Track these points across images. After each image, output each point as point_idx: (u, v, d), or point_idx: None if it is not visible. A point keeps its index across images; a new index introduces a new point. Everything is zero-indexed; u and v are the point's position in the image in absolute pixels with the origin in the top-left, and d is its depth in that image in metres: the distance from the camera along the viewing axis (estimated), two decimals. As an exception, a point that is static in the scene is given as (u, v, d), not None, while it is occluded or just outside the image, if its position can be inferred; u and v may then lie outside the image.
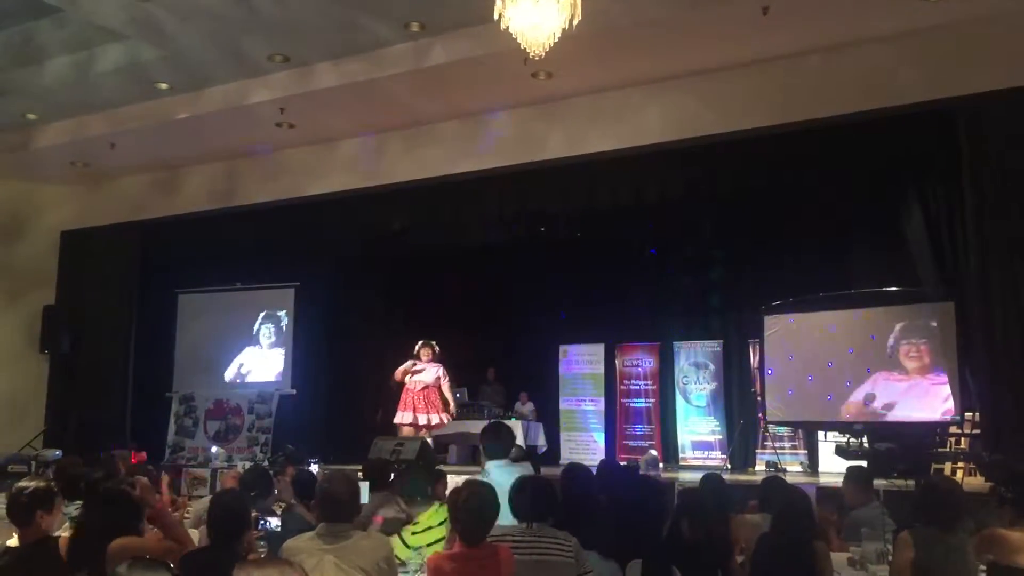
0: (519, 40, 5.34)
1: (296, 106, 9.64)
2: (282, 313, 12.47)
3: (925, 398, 8.84)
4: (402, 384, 10.46)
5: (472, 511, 3.69)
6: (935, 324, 8.86)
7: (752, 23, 7.51)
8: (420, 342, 10.46)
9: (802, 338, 9.80)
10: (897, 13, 7.49)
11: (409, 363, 10.38)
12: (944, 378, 8.72)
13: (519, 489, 4.07)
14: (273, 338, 12.46)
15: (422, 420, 10.20)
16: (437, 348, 10.45)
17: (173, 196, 11.93)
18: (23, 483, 4.00)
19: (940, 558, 4.06)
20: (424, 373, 10.32)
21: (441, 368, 10.43)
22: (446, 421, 10.50)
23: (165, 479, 8.57)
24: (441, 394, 10.42)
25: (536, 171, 9.67)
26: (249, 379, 12.47)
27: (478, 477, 4.52)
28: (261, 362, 12.48)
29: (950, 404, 8.62)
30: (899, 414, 8.92)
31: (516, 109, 9.66)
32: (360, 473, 6.13)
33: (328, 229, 11.33)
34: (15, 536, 3.97)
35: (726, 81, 8.61)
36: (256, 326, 12.57)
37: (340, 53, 8.91)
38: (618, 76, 8.89)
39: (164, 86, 9.71)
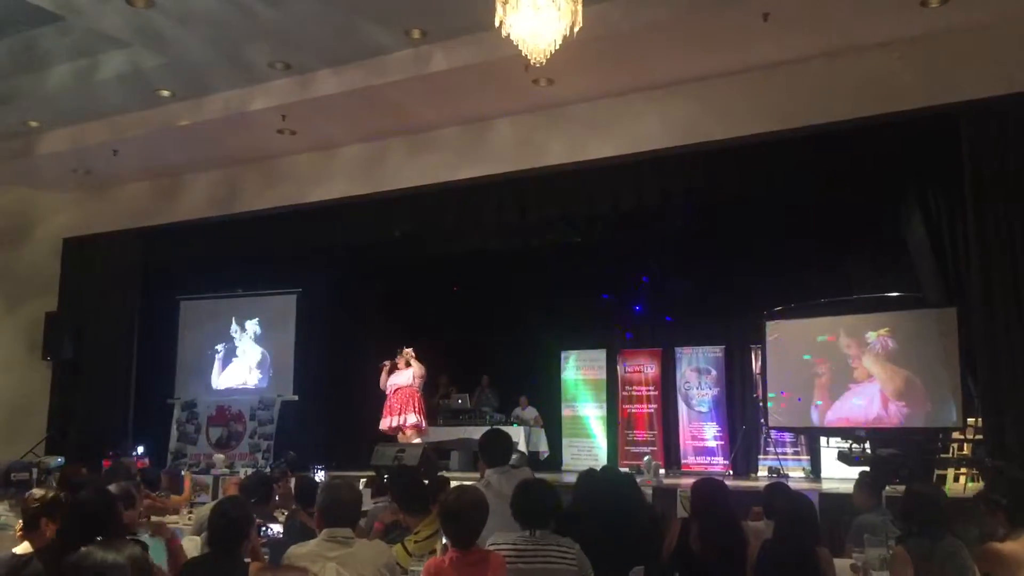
0: (520, 47, 5.34)
1: (297, 113, 9.64)
2: (252, 323, 12.54)
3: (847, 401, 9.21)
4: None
5: (460, 515, 3.70)
6: (870, 335, 9.22)
7: (753, 29, 7.51)
8: (397, 350, 10.51)
9: (804, 344, 9.79)
10: (897, 19, 7.49)
11: (383, 372, 10.43)
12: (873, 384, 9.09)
13: (521, 494, 4.05)
14: (248, 345, 12.57)
15: (395, 422, 10.22)
16: (409, 353, 10.43)
17: (175, 203, 11.93)
18: (35, 490, 4.10)
19: (937, 568, 4.05)
20: (399, 376, 10.36)
21: (420, 370, 10.42)
22: (418, 421, 10.49)
23: (188, 476, 8.72)
24: (418, 395, 10.46)
25: (537, 177, 9.67)
26: (224, 386, 12.60)
27: (478, 485, 4.51)
28: (239, 369, 12.59)
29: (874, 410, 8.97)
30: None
31: (517, 116, 9.67)
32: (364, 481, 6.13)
33: (329, 236, 11.32)
34: (25, 544, 4.00)
35: (727, 87, 8.61)
36: (231, 334, 12.69)
37: (341, 60, 8.91)
38: (619, 82, 8.90)
39: (166, 93, 9.72)
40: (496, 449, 5.07)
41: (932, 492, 4.69)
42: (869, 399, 9.06)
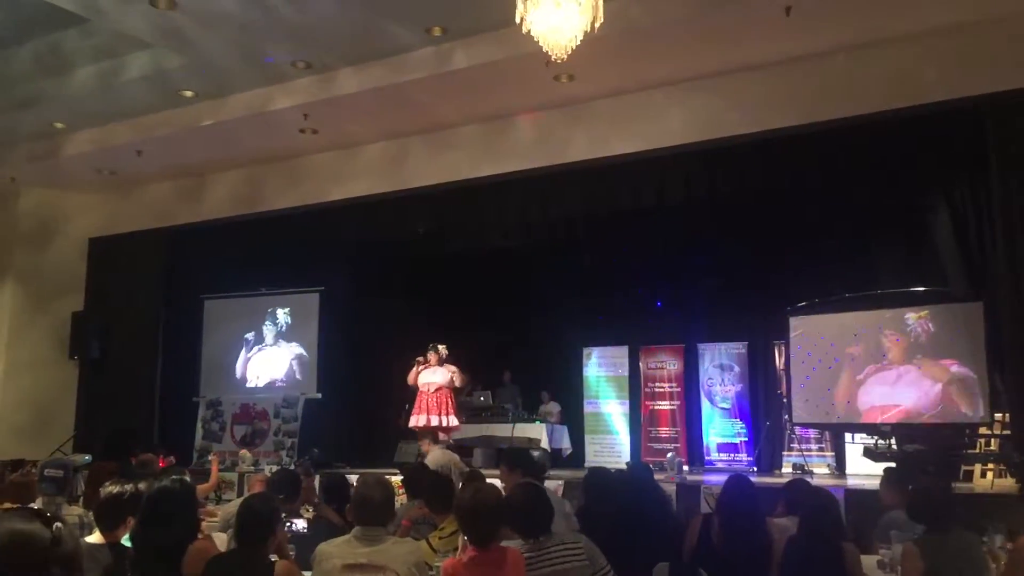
0: (541, 43, 5.34)
1: (319, 112, 9.69)
2: (283, 311, 12.62)
3: (913, 387, 8.88)
4: (417, 388, 10.42)
5: (475, 513, 3.66)
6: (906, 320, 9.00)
7: (775, 23, 7.44)
8: (429, 345, 10.39)
9: (828, 339, 9.71)
10: (923, 11, 7.42)
11: (415, 367, 10.32)
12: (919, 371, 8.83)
13: (512, 508, 3.88)
14: (274, 338, 12.64)
15: (435, 422, 10.15)
16: (443, 351, 10.34)
17: (198, 202, 12.04)
18: (116, 488, 4.12)
19: (948, 562, 4.05)
20: (434, 375, 10.22)
21: (452, 368, 10.31)
22: (457, 424, 10.42)
23: (215, 460, 8.80)
24: (454, 395, 10.37)
25: (559, 174, 9.66)
26: (254, 382, 12.65)
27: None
28: (266, 363, 12.64)
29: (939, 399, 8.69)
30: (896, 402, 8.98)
31: (539, 112, 9.66)
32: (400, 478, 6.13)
33: (352, 234, 11.37)
34: (96, 534, 4.08)
35: (749, 81, 8.57)
36: (261, 327, 12.76)
37: (362, 58, 8.95)
38: (640, 78, 8.87)
39: (189, 93, 9.80)
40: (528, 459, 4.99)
41: (934, 488, 4.72)
42: (900, 391, 8.94)
